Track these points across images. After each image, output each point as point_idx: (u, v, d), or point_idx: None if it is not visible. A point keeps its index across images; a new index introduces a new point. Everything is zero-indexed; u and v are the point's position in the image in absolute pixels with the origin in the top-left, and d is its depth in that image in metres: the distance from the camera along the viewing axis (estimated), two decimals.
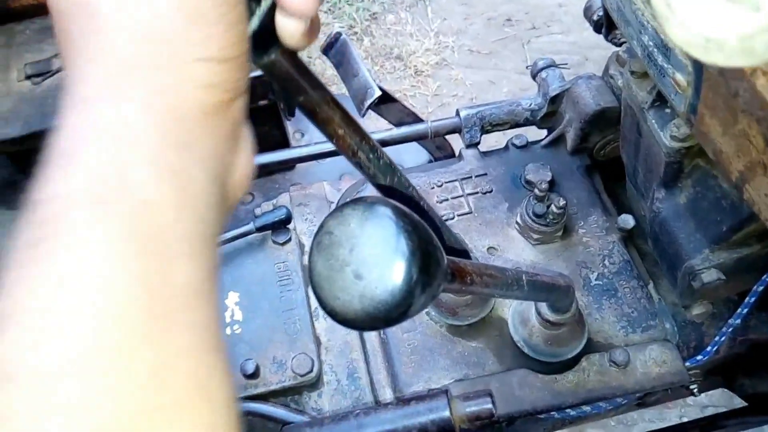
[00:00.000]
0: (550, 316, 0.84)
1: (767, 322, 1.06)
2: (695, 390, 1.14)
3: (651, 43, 0.65)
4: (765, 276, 0.79)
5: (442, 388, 0.78)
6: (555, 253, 1.02)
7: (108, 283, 0.28)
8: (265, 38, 0.39)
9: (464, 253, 0.80)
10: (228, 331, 1.02)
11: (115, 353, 0.27)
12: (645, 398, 1.28)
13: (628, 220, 1.00)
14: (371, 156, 0.58)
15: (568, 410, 0.95)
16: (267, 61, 0.41)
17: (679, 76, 0.60)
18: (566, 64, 1.16)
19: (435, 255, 0.43)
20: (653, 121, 0.78)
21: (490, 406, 0.71)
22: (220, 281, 1.06)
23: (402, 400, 0.72)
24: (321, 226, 0.43)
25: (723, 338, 0.88)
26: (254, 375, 0.96)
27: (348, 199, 0.49)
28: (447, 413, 0.70)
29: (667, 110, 0.79)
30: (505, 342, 0.93)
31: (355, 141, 0.55)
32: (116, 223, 0.30)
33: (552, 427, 1.34)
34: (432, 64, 3.33)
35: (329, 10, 3.46)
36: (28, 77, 1.15)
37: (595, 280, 0.99)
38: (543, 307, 0.85)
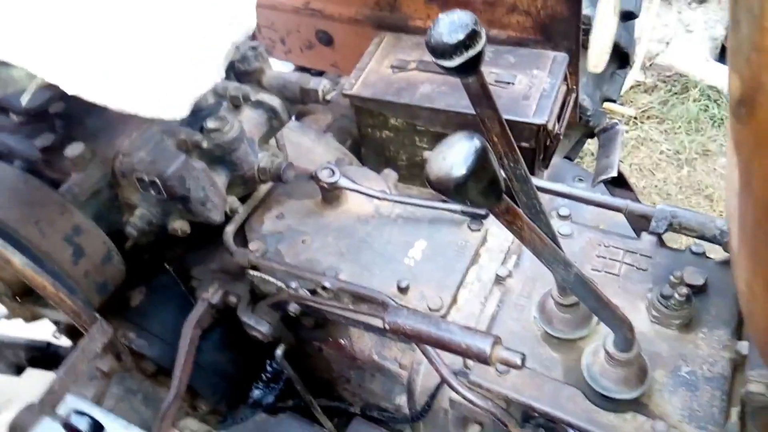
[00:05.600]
0: (612, 350, 1.02)
1: None
2: None
3: None
4: None
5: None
6: (665, 336, 1.15)
7: None
8: None
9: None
10: (406, 261, 1.42)
11: None
12: None
13: (743, 347, 1.09)
14: (512, 164, 0.90)
15: None
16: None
17: None
18: None
19: (490, 174, 0.73)
20: None
21: (519, 360, 0.95)
22: (417, 229, 1.46)
23: (468, 327, 1.00)
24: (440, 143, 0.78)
25: None
26: (404, 291, 1.34)
27: None
28: (488, 347, 0.97)
29: None
30: (577, 367, 1.12)
31: (505, 150, 0.87)
32: None
33: None
34: None
35: (665, 131, 3.62)
36: None
37: (685, 372, 1.09)
38: (609, 342, 1.03)
